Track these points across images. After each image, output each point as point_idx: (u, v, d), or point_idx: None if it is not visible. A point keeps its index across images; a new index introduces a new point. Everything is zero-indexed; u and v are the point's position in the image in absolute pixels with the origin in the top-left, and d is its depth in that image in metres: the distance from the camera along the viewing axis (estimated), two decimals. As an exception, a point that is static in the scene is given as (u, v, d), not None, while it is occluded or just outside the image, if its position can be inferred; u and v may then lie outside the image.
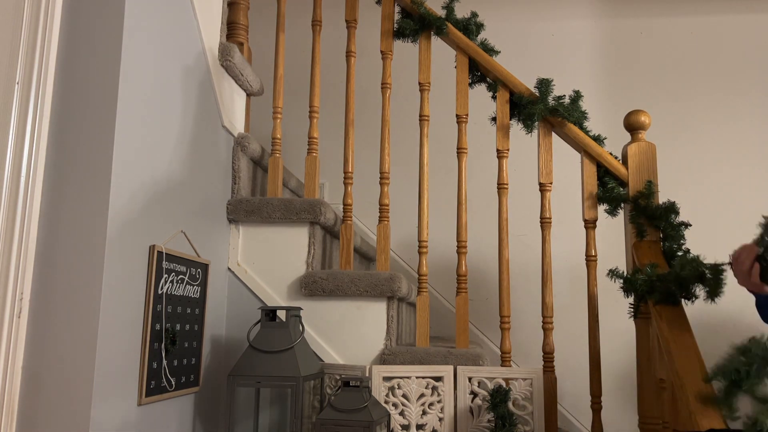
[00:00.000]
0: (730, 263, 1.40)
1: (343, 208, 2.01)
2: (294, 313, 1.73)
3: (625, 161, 1.88)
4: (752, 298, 1.47)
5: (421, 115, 2.03)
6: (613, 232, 2.28)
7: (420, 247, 1.94)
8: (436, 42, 2.07)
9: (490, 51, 2.01)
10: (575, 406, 2.76)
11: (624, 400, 2.66)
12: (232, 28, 2.15)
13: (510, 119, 1.98)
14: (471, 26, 2.03)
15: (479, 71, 2.04)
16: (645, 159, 1.85)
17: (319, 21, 2.13)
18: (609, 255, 2.20)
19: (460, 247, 1.93)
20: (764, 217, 1.28)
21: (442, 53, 2.22)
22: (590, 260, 1.88)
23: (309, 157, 2.05)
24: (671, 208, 1.76)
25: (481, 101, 2.25)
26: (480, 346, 2.52)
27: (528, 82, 1.98)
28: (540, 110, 1.90)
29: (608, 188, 1.88)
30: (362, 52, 2.42)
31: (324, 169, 2.91)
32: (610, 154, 1.89)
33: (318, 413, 1.72)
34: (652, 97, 3.03)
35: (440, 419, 1.76)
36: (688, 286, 1.53)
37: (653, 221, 1.77)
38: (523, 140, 2.24)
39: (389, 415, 1.71)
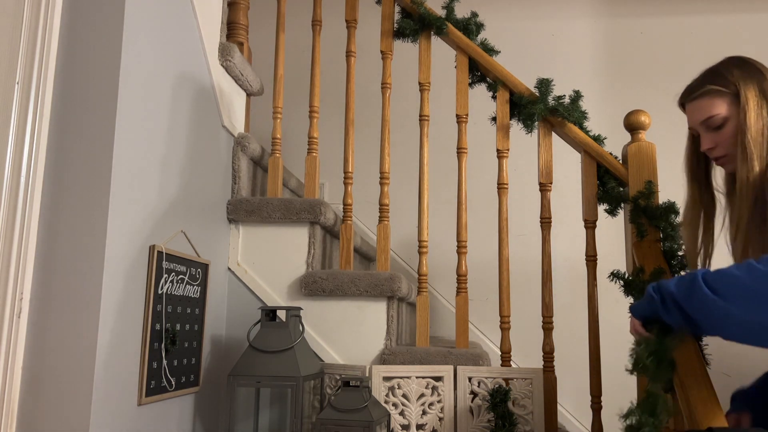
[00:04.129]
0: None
1: (343, 208, 2.01)
2: (294, 313, 1.73)
3: (625, 161, 1.88)
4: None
5: (421, 115, 2.03)
6: (613, 232, 2.28)
7: (420, 247, 1.94)
8: (436, 42, 2.07)
9: (490, 51, 2.01)
10: (575, 406, 2.76)
11: (624, 400, 2.65)
12: (232, 28, 2.15)
13: (510, 119, 1.98)
14: (471, 26, 2.03)
15: (479, 71, 2.04)
16: (645, 159, 1.85)
17: (319, 21, 2.14)
18: (609, 255, 2.20)
19: (460, 247, 1.93)
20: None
21: (442, 53, 2.21)
22: (590, 260, 1.88)
23: (309, 157, 2.05)
24: (671, 208, 1.76)
25: (481, 101, 2.24)
26: (480, 346, 2.51)
27: (528, 82, 1.98)
28: (540, 110, 1.90)
29: (608, 188, 1.88)
30: (362, 52, 2.42)
31: (324, 169, 2.90)
32: (610, 154, 1.89)
33: (318, 413, 1.71)
34: (652, 96, 3.02)
35: (440, 419, 1.76)
36: None
37: (653, 221, 1.76)
38: (523, 140, 2.23)
39: (389, 415, 1.71)
